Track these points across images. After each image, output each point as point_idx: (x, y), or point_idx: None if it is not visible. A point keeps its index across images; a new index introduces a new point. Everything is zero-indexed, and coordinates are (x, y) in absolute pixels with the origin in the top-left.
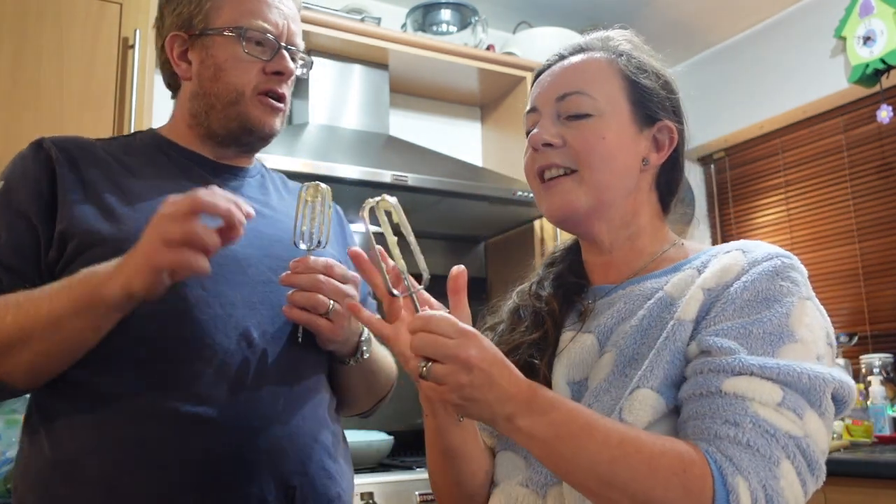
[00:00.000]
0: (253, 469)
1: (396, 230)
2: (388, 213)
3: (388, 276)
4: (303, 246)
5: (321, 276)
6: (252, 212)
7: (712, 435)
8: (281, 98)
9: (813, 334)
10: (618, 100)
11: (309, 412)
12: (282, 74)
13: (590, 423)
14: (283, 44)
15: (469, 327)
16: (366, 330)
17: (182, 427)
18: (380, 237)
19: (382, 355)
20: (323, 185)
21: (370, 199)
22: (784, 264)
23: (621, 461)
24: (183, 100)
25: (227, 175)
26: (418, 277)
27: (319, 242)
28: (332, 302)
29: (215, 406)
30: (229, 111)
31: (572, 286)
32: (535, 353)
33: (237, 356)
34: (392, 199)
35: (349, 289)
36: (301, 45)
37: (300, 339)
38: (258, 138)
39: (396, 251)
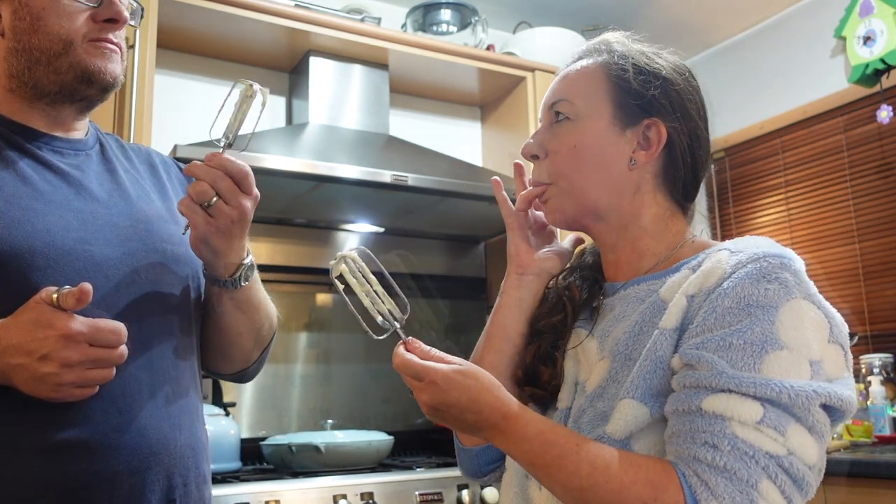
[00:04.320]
0: (133, 491)
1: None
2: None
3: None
4: (219, 141)
5: (219, 173)
6: (125, 354)
7: (691, 457)
8: (118, 47)
9: (804, 337)
10: (599, 103)
11: (186, 421)
12: (116, 22)
13: (561, 454)
14: None
15: (426, 368)
16: (250, 257)
17: (52, 455)
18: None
19: (264, 294)
20: (263, 89)
21: (332, 262)
22: (770, 265)
23: (590, 491)
24: None
25: (68, 151)
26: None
27: (230, 144)
28: (215, 197)
29: (89, 428)
30: (58, 63)
31: (594, 280)
32: (556, 341)
33: None
34: (347, 261)
35: (246, 201)
36: None
37: (183, 233)
38: (99, 89)
39: (367, 301)
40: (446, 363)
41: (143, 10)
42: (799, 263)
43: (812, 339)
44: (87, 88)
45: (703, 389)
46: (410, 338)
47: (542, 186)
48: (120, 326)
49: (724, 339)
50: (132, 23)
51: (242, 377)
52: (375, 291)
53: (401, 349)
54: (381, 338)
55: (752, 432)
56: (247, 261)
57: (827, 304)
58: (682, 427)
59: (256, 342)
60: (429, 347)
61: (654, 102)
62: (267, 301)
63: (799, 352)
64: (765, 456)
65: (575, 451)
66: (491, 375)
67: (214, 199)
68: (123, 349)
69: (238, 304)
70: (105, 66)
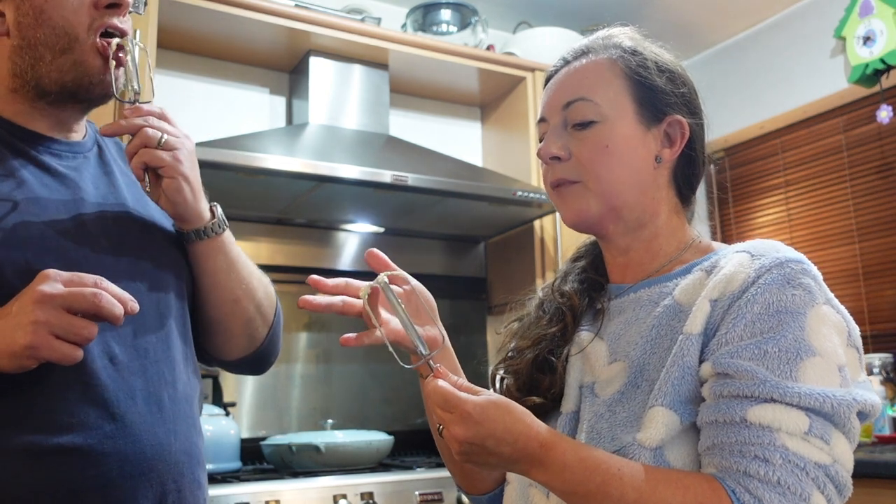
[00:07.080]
0: (124, 496)
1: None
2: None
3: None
4: (130, 98)
5: (150, 117)
6: (136, 308)
7: (740, 472)
8: (123, 34)
9: (832, 343)
10: (622, 101)
11: (182, 427)
12: (118, 7)
13: (605, 481)
14: None
15: (459, 398)
16: (219, 208)
17: (44, 460)
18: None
19: (249, 261)
20: (132, 37)
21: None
22: (794, 270)
23: None
24: (1, 61)
25: (66, 153)
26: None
27: (137, 93)
28: (163, 134)
29: (82, 434)
30: (62, 61)
31: (593, 283)
32: (554, 349)
33: (102, 376)
34: (381, 280)
35: (181, 132)
36: None
37: (146, 189)
38: (100, 94)
39: (407, 325)
40: (476, 394)
41: None
42: (815, 268)
43: (837, 345)
44: (86, 93)
45: (746, 399)
46: (440, 366)
47: (566, 184)
48: (98, 288)
49: (759, 346)
50: (135, 10)
51: (256, 363)
52: (406, 318)
53: (432, 378)
54: (410, 367)
55: (801, 444)
56: (219, 214)
57: (842, 307)
58: (726, 439)
59: (258, 310)
60: (459, 379)
61: (674, 99)
62: (255, 267)
63: (829, 358)
64: (814, 467)
65: (617, 476)
66: (521, 406)
67: (163, 136)
68: (94, 328)
69: (225, 262)
70: (105, 72)
